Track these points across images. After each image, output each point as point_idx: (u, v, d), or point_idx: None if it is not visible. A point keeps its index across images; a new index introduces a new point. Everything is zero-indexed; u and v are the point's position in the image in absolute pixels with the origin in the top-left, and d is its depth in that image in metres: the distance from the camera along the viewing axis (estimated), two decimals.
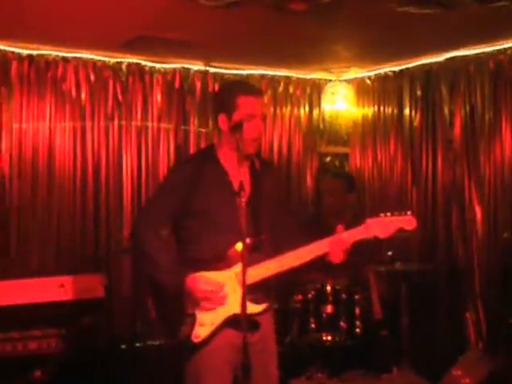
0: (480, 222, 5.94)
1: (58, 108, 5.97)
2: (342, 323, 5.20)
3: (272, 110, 6.96)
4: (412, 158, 6.57)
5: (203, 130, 6.58)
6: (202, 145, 6.52)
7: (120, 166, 6.26)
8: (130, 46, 5.72)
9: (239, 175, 3.29)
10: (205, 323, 3.29)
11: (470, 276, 5.93)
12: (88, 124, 6.11)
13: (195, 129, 6.56)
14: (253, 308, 3.28)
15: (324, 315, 5.19)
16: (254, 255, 3.27)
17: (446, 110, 6.26)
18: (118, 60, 6.20)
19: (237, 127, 3.28)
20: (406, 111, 6.62)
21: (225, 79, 6.58)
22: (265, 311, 3.42)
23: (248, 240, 3.13)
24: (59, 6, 4.79)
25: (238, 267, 3.25)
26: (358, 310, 5.25)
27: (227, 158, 3.43)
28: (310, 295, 5.21)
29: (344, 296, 5.24)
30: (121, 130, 6.27)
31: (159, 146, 6.45)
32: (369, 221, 3.40)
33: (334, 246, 3.36)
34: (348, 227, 3.46)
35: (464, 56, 6.00)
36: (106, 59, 6.16)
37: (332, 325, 5.18)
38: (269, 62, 6.65)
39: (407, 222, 3.40)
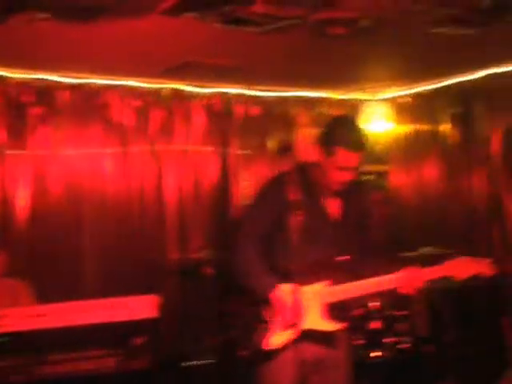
0: None
1: (103, 134, 6.15)
2: (388, 339, 5.25)
3: (310, 131, 7.06)
4: (451, 174, 6.65)
5: (244, 153, 6.70)
6: (244, 167, 6.66)
7: (162, 190, 6.40)
8: (173, 73, 5.86)
9: (332, 197, 3.50)
10: (279, 334, 3.38)
11: None
12: (131, 149, 6.27)
13: (236, 151, 6.67)
14: (330, 326, 3.42)
15: (370, 331, 5.25)
16: (338, 275, 3.42)
17: (484, 127, 6.32)
18: (160, 86, 6.37)
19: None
20: (444, 128, 6.70)
21: (267, 102, 6.77)
22: (341, 331, 3.52)
23: (337, 258, 3.26)
24: (103, 36, 4.91)
25: (321, 285, 3.41)
26: (403, 326, 5.31)
27: (320, 178, 3.52)
28: (356, 312, 5.27)
29: (389, 312, 5.30)
30: (163, 154, 6.42)
31: (201, 169, 6.58)
32: (448, 262, 3.49)
33: (409, 280, 3.43)
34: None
35: (501, 73, 6.07)
36: (148, 85, 6.32)
37: (378, 341, 5.24)
38: (307, 83, 6.76)
39: (486, 267, 3.49)
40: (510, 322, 5.61)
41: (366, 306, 5.32)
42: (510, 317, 5.65)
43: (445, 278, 3.47)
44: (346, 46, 5.22)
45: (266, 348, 3.39)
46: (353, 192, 3.56)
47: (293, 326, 3.32)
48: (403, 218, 7.01)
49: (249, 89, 6.63)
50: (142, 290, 5.49)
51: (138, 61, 5.57)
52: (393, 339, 5.28)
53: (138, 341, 4.76)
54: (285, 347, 3.38)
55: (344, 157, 3.39)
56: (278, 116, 6.93)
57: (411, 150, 7.07)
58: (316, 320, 3.40)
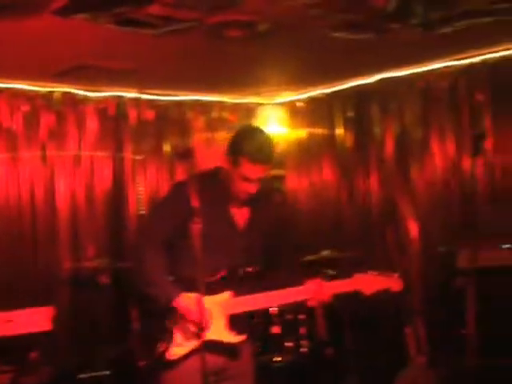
0: (415, 237, 6.09)
1: None
2: (288, 343, 5.25)
3: (206, 135, 7.01)
4: (346, 177, 6.73)
5: (138, 158, 6.58)
6: (138, 172, 6.55)
7: (54, 197, 6.18)
8: (64, 76, 5.69)
9: (239, 205, 3.43)
10: (183, 344, 3.31)
11: (409, 291, 6.05)
12: (21, 154, 6.03)
13: (131, 156, 6.54)
14: (233, 337, 3.38)
15: (270, 336, 5.23)
16: (243, 286, 3.36)
17: (378, 130, 6.44)
18: (51, 89, 6.16)
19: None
20: (339, 132, 6.78)
21: (162, 106, 6.69)
22: (244, 342, 3.47)
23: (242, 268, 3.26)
24: None
25: (225, 295, 3.35)
26: (303, 330, 5.31)
27: (227, 186, 3.43)
28: (255, 318, 5.23)
29: (289, 316, 5.29)
30: (55, 159, 6.21)
31: (94, 174, 6.41)
32: (356, 276, 3.48)
33: (315, 294, 3.42)
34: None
35: (394, 77, 6.20)
36: (39, 89, 6.10)
37: (279, 345, 5.23)
38: (202, 87, 6.71)
39: (394, 283, 3.49)
40: (411, 330, 5.70)
41: (265, 310, 5.29)
42: (411, 325, 5.74)
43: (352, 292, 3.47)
44: (242, 49, 5.19)
45: (169, 358, 3.31)
46: (259, 201, 3.51)
47: (196, 335, 3.24)
48: (300, 221, 7.06)
49: (143, 93, 6.51)
50: (34, 302, 5.32)
51: (28, 63, 5.37)
52: (293, 343, 5.26)
53: (33, 355, 4.60)
54: (187, 357, 3.31)
55: (249, 168, 3.32)
56: (173, 120, 6.85)
57: (307, 153, 7.13)
58: (219, 331, 3.34)
